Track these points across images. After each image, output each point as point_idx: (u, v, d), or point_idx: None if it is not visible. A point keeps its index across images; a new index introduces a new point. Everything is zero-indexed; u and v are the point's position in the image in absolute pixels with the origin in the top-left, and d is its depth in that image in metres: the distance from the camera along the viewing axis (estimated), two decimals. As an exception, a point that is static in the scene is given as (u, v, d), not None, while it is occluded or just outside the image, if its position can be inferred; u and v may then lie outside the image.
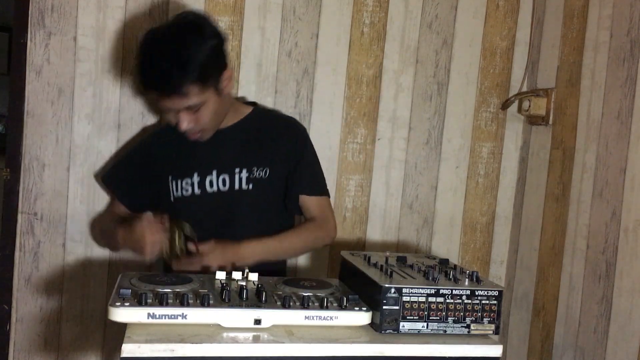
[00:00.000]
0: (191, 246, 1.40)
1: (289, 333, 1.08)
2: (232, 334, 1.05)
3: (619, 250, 1.52)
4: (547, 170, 1.85)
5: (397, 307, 1.12)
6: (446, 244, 1.98)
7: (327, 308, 1.12)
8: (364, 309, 1.13)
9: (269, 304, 1.11)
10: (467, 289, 1.15)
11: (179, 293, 1.11)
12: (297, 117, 1.81)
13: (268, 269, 1.38)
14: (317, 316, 1.10)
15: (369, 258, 1.33)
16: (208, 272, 1.35)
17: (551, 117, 1.83)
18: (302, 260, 1.88)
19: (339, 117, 1.87)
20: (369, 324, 1.13)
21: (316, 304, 1.13)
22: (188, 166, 1.52)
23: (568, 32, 1.79)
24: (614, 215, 1.54)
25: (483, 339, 1.16)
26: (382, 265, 1.25)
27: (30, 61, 1.68)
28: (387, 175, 1.91)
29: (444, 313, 1.14)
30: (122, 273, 1.26)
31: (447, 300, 1.14)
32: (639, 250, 1.46)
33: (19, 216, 1.71)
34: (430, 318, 1.14)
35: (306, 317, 1.10)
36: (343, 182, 1.88)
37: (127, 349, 0.98)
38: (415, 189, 1.93)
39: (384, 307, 1.11)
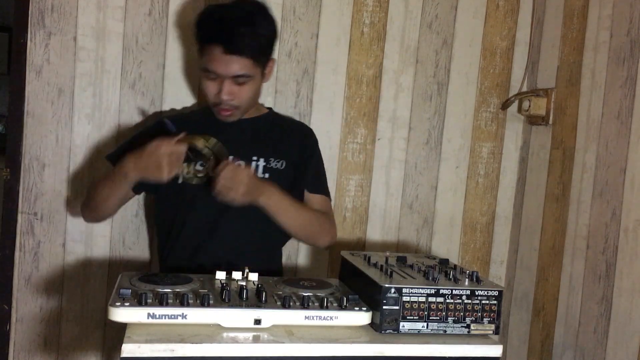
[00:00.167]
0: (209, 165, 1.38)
1: (289, 333, 1.08)
2: (232, 334, 1.05)
3: (619, 250, 1.52)
4: (547, 170, 1.85)
5: (397, 307, 1.12)
6: (446, 244, 1.98)
7: (327, 308, 1.12)
8: (364, 309, 1.13)
9: (269, 304, 1.11)
10: (467, 289, 1.15)
11: (179, 293, 1.11)
12: (297, 117, 1.81)
13: (265, 268, 1.38)
14: (317, 316, 1.10)
15: (369, 258, 1.33)
16: (222, 194, 1.34)
17: (551, 117, 1.83)
18: (302, 260, 1.88)
19: (339, 117, 1.87)
20: (369, 324, 1.13)
21: (316, 304, 1.13)
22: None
23: (568, 32, 1.79)
24: (614, 215, 1.54)
25: (483, 339, 1.16)
26: (382, 265, 1.25)
27: (30, 61, 1.68)
28: (387, 175, 1.91)
29: (444, 313, 1.14)
30: (122, 273, 1.26)
31: (447, 300, 1.14)
32: (639, 250, 1.46)
33: (19, 216, 1.71)
34: (430, 318, 1.14)
35: (306, 317, 1.10)
36: (343, 182, 1.88)
37: (127, 349, 0.98)
38: (415, 189, 1.93)
39: (384, 307, 1.11)
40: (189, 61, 1.76)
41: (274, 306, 1.10)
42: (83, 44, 1.70)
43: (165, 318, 1.04)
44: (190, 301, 1.08)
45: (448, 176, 1.96)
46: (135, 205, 1.77)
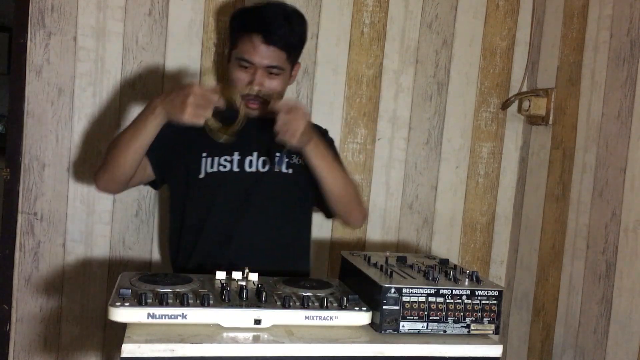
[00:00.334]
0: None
1: (289, 333, 1.08)
2: (232, 334, 1.05)
3: (619, 250, 1.52)
4: (547, 170, 1.85)
5: (397, 307, 1.12)
6: (446, 244, 1.98)
7: (327, 308, 1.12)
8: (364, 309, 1.13)
9: (269, 304, 1.11)
10: (467, 289, 1.15)
11: (179, 293, 1.11)
12: (297, 117, 1.81)
13: (291, 269, 1.41)
14: (317, 316, 1.10)
15: (369, 258, 1.33)
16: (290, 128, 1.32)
17: (551, 117, 1.83)
18: (302, 260, 1.88)
19: (339, 117, 1.87)
20: (369, 324, 1.13)
21: (316, 304, 1.13)
22: (227, 146, 1.51)
23: (568, 32, 1.79)
24: (614, 215, 1.54)
25: (483, 339, 1.15)
26: (382, 265, 1.25)
27: (30, 61, 1.68)
28: (387, 175, 1.91)
29: (444, 313, 1.14)
30: (122, 273, 1.26)
31: (447, 300, 1.14)
32: (639, 250, 1.46)
33: (19, 216, 1.71)
34: (430, 318, 1.14)
35: (306, 317, 1.10)
36: (343, 182, 1.88)
37: (127, 349, 0.98)
38: (415, 189, 1.93)
39: (384, 307, 1.11)
40: (189, 61, 1.76)
41: (274, 306, 1.10)
42: (83, 44, 1.70)
43: (165, 318, 1.04)
44: (190, 301, 1.08)
45: (448, 176, 1.96)
46: (135, 205, 1.77)
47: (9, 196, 1.70)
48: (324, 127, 1.83)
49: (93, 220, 1.75)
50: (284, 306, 1.10)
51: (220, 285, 1.19)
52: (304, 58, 1.82)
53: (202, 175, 1.50)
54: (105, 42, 1.71)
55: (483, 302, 1.16)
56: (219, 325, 1.07)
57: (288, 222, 1.54)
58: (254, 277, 1.26)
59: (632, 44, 1.52)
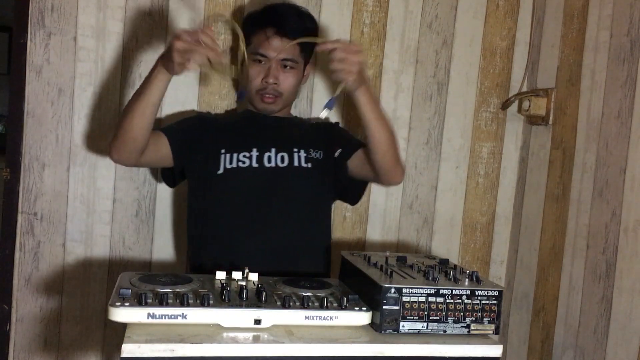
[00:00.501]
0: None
1: (289, 333, 1.08)
2: (232, 334, 1.05)
3: (619, 250, 1.52)
4: (547, 170, 1.85)
5: (397, 307, 1.12)
6: (446, 244, 1.98)
7: (327, 308, 1.12)
8: (364, 309, 1.13)
9: (269, 304, 1.11)
10: (467, 289, 1.15)
11: (179, 293, 1.11)
12: (297, 117, 1.81)
13: (310, 270, 1.44)
14: (317, 316, 1.10)
15: (369, 258, 1.33)
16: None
17: (551, 117, 1.83)
18: (302, 260, 1.88)
19: (339, 117, 1.86)
20: (369, 324, 1.13)
21: (316, 304, 1.13)
22: (246, 142, 1.55)
23: (568, 32, 1.79)
24: (614, 215, 1.54)
25: (483, 339, 1.15)
26: (382, 265, 1.25)
27: (30, 61, 1.68)
28: (387, 175, 1.91)
29: (444, 313, 1.14)
30: (122, 273, 1.26)
31: (447, 300, 1.14)
32: (639, 250, 1.46)
33: (19, 216, 1.71)
34: (430, 318, 1.14)
35: (306, 317, 1.10)
36: (343, 182, 1.88)
37: (127, 349, 0.98)
38: (415, 189, 1.93)
39: (384, 307, 1.11)
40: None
41: (274, 306, 1.10)
42: (83, 44, 1.70)
43: (165, 318, 1.04)
44: (190, 301, 1.08)
45: (448, 176, 1.96)
46: (135, 205, 1.77)
47: (9, 196, 1.70)
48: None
49: (93, 220, 1.75)
50: (284, 306, 1.10)
51: (220, 285, 1.19)
52: (304, 58, 1.82)
53: (221, 171, 1.51)
54: (105, 42, 1.71)
55: (483, 302, 1.16)
56: (219, 325, 1.07)
57: (308, 217, 1.54)
58: (254, 277, 1.26)
59: (632, 44, 1.52)
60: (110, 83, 1.72)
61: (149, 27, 1.73)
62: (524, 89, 1.96)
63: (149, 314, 1.04)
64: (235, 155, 1.52)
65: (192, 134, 1.57)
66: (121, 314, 1.03)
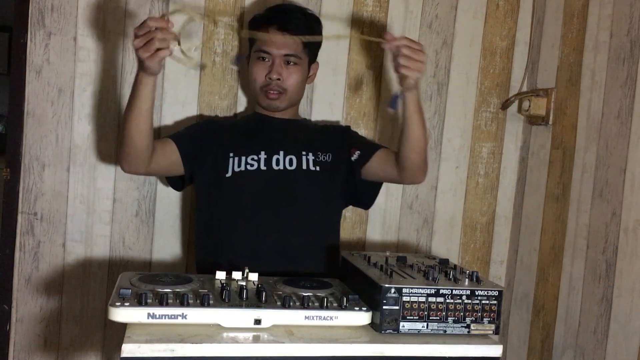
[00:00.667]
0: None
1: (289, 333, 1.08)
2: (232, 334, 1.05)
3: (619, 250, 1.52)
4: (547, 170, 1.85)
5: (397, 307, 1.12)
6: (446, 244, 1.98)
7: (327, 308, 1.12)
8: (364, 309, 1.13)
9: (269, 304, 1.11)
10: (467, 289, 1.15)
11: (179, 293, 1.11)
12: (297, 117, 1.81)
13: (321, 271, 1.46)
14: (317, 316, 1.10)
15: (369, 258, 1.33)
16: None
17: (551, 117, 1.83)
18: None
19: (339, 117, 1.86)
20: (369, 324, 1.13)
21: (316, 304, 1.13)
22: (254, 145, 1.55)
23: (568, 32, 1.79)
24: (614, 215, 1.54)
25: (483, 339, 1.16)
26: (382, 265, 1.25)
27: (30, 61, 1.68)
28: (387, 175, 1.91)
29: (444, 313, 1.14)
30: (122, 273, 1.26)
31: (447, 300, 1.14)
32: (639, 250, 1.46)
33: (19, 216, 1.71)
34: (430, 318, 1.14)
35: (306, 317, 1.10)
36: (343, 182, 1.88)
37: (127, 349, 0.98)
38: (415, 189, 1.93)
39: (384, 307, 1.11)
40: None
41: (274, 306, 1.10)
42: (83, 44, 1.70)
43: (165, 318, 1.04)
44: (190, 301, 1.08)
45: (448, 176, 1.96)
46: (135, 205, 1.77)
47: (9, 196, 1.70)
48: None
49: (93, 220, 1.75)
50: (284, 306, 1.10)
51: (220, 285, 1.19)
52: (304, 58, 1.82)
53: (229, 174, 1.51)
54: (105, 42, 1.71)
55: (483, 302, 1.16)
56: (219, 325, 1.07)
57: (316, 220, 1.54)
58: (254, 277, 1.26)
59: (632, 44, 1.52)
60: (110, 83, 1.72)
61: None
62: (524, 89, 1.96)
63: (149, 314, 1.04)
64: (243, 158, 1.52)
65: (201, 139, 1.57)
66: (121, 314, 1.03)
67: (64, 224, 1.73)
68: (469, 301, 1.15)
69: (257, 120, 1.63)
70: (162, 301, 1.06)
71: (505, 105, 1.96)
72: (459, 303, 1.15)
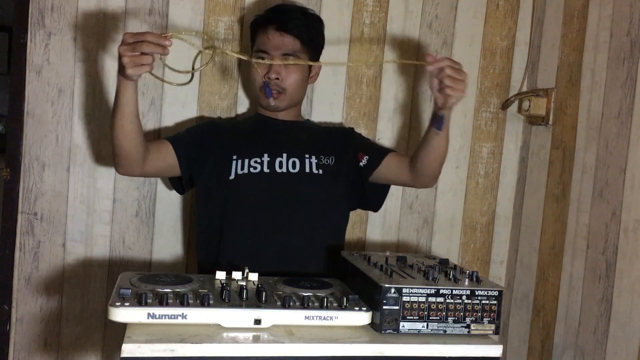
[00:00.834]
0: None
1: (289, 333, 1.08)
2: (232, 334, 1.05)
3: (619, 250, 1.52)
4: (547, 170, 1.85)
5: (397, 307, 1.12)
6: (446, 244, 1.98)
7: (327, 308, 1.12)
8: (364, 309, 1.13)
9: (269, 304, 1.11)
10: (467, 289, 1.15)
11: (179, 293, 1.11)
12: (297, 117, 1.81)
13: (326, 271, 1.46)
14: (317, 316, 1.10)
15: (369, 258, 1.33)
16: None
17: (551, 117, 1.83)
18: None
19: (339, 117, 1.87)
20: (369, 324, 1.13)
21: (316, 304, 1.13)
22: (257, 148, 1.55)
23: (568, 32, 1.79)
24: (614, 215, 1.54)
25: (483, 339, 1.16)
26: (382, 265, 1.25)
27: (30, 61, 1.68)
28: (387, 175, 1.91)
29: (444, 313, 1.14)
30: (122, 273, 1.26)
31: (447, 300, 1.14)
32: (639, 250, 1.46)
33: (19, 216, 1.71)
34: (430, 318, 1.14)
35: (306, 317, 1.10)
36: (343, 182, 1.88)
37: (127, 349, 0.98)
38: (415, 189, 1.93)
39: (384, 307, 1.11)
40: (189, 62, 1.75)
41: (274, 306, 1.10)
42: (83, 44, 1.70)
43: (165, 318, 1.04)
44: (190, 301, 1.08)
45: (448, 176, 1.96)
46: (135, 205, 1.77)
47: (9, 196, 1.70)
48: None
49: (93, 220, 1.75)
50: (284, 306, 1.10)
51: (220, 285, 1.19)
52: (304, 58, 1.82)
53: (232, 177, 1.51)
54: (105, 42, 1.71)
55: (483, 302, 1.16)
56: (219, 325, 1.07)
57: (319, 223, 1.54)
58: (254, 277, 1.26)
59: (632, 44, 1.52)
60: (110, 83, 1.72)
61: (149, 28, 1.73)
62: (524, 89, 1.96)
63: (149, 314, 1.04)
64: (246, 160, 1.52)
65: (202, 141, 1.57)
66: (121, 314, 1.03)
67: (64, 224, 1.73)
68: (469, 301, 1.15)
69: (259, 122, 1.62)
70: (162, 301, 1.06)
71: (505, 105, 1.96)
72: (459, 303, 1.15)
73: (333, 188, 1.56)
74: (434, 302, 1.14)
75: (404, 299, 1.12)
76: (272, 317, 1.09)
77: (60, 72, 1.70)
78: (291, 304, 1.11)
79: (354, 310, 1.12)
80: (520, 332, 1.93)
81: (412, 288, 1.13)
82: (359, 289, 1.22)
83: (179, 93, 1.76)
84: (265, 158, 1.53)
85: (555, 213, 1.79)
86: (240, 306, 1.08)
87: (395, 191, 1.92)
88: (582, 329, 1.63)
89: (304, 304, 1.12)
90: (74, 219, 1.74)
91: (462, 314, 1.15)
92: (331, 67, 1.84)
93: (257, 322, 1.08)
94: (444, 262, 1.37)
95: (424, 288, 1.13)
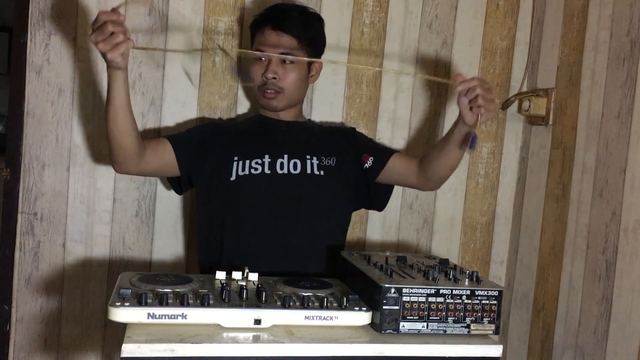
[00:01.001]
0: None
1: (289, 333, 1.08)
2: (232, 334, 1.05)
3: (619, 250, 1.52)
4: (547, 170, 1.85)
5: (397, 307, 1.12)
6: (446, 244, 1.98)
7: (327, 308, 1.12)
8: (364, 309, 1.13)
9: (269, 304, 1.11)
10: (467, 289, 1.15)
11: (179, 293, 1.11)
12: (297, 117, 1.81)
13: (327, 272, 1.45)
14: (317, 316, 1.10)
15: (369, 258, 1.33)
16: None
17: (551, 117, 1.83)
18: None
19: (339, 117, 1.87)
20: (369, 324, 1.13)
21: (316, 304, 1.13)
22: (258, 149, 1.55)
23: (568, 32, 1.79)
24: (614, 215, 1.54)
25: (483, 339, 1.16)
26: (382, 265, 1.25)
27: (30, 61, 1.68)
28: (387, 175, 1.91)
29: (444, 313, 1.14)
30: (122, 273, 1.26)
31: (447, 300, 1.14)
32: (639, 250, 1.46)
33: (19, 216, 1.71)
34: (430, 318, 1.14)
35: (306, 317, 1.10)
36: (343, 182, 1.88)
37: (127, 349, 0.98)
38: (415, 189, 1.93)
39: (384, 307, 1.11)
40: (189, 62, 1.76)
41: (274, 306, 1.10)
42: (83, 44, 1.70)
43: (165, 318, 1.04)
44: (190, 301, 1.08)
45: (448, 176, 1.96)
46: (135, 205, 1.77)
47: (9, 196, 1.70)
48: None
49: (93, 220, 1.75)
50: (284, 306, 1.10)
51: (220, 285, 1.19)
52: (304, 58, 1.82)
53: (233, 178, 1.51)
54: (105, 42, 1.71)
55: (483, 302, 1.16)
56: (219, 325, 1.07)
57: (321, 224, 1.54)
58: (254, 277, 1.26)
59: (632, 44, 1.52)
60: (110, 83, 1.72)
61: (149, 28, 1.73)
62: (524, 89, 1.96)
63: (149, 314, 1.04)
64: (247, 162, 1.52)
65: (203, 141, 1.57)
66: (121, 314, 1.03)
67: (64, 224, 1.73)
68: (469, 301, 1.15)
69: (260, 123, 1.62)
70: (162, 301, 1.06)
71: (505, 105, 1.96)
72: (459, 303, 1.15)
73: (334, 189, 1.56)
74: (434, 302, 1.14)
75: (404, 299, 1.12)
76: (272, 317, 1.09)
77: (60, 72, 1.70)
78: (291, 304, 1.11)
79: (354, 310, 1.12)
80: (520, 332, 1.93)
81: (412, 288, 1.13)
82: (359, 289, 1.22)
83: (179, 93, 1.76)
84: (267, 159, 1.53)
85: (555, 213, 1.79)
86: (240, 306, 1.08)
87: (395, 191, 1.91)
88: (582, 329, 1.63)
89: (304, 304, 1.12)
90: (74, 219, 1.74)
91: (462, 314, 1.15)
92: (332, 68, 1.84)
93: (257, 322, 1.08)
94: (444, 262, 1.37)
95: (424, 288, 1.13)
